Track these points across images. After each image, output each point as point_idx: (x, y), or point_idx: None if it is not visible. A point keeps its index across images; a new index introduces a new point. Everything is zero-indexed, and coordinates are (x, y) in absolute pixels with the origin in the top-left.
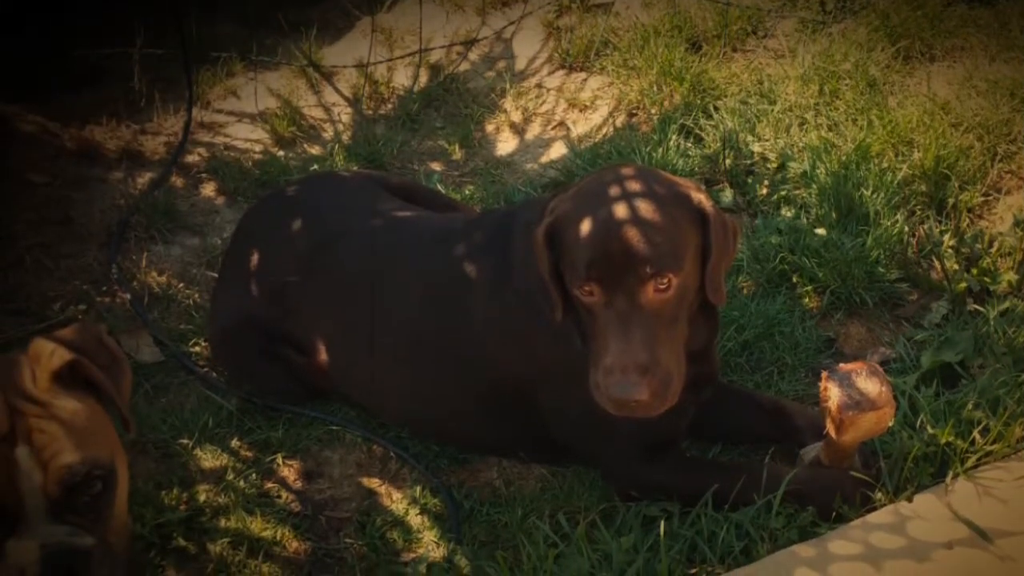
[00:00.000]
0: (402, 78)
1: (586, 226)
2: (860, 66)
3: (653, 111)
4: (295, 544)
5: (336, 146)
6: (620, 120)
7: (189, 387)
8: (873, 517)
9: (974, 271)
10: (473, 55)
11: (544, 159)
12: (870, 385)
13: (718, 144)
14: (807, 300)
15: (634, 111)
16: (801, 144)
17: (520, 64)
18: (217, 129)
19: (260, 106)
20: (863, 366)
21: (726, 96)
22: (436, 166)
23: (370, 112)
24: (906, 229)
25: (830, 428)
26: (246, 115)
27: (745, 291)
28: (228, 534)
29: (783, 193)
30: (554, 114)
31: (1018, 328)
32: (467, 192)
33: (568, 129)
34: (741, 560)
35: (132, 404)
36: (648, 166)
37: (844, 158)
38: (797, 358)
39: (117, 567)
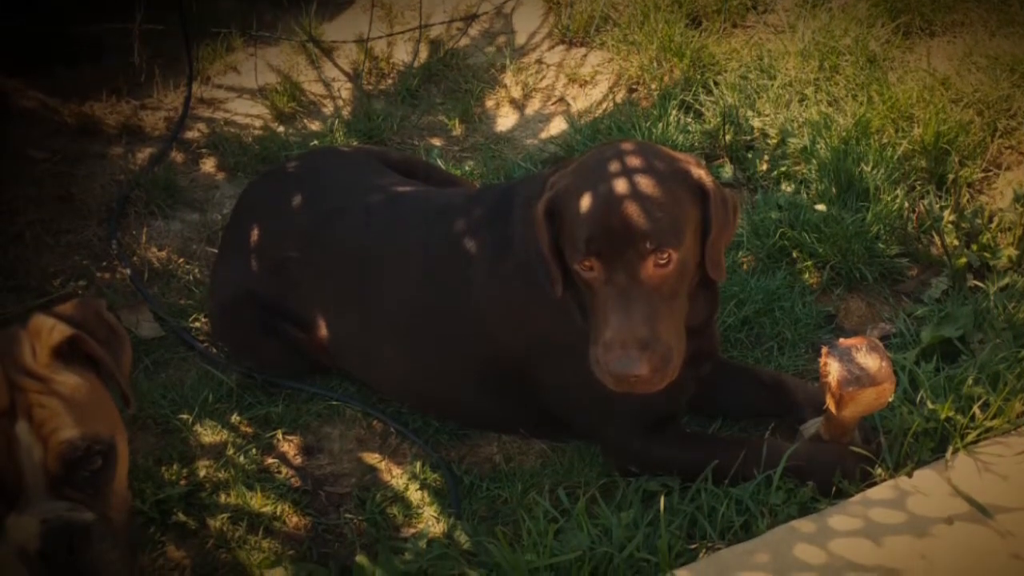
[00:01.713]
0: (402, 54)
1: (586, 201)
2: (860, 41)
3: (653, 86)
4: (295, 519)
5: (336, 121)
6: (620, 95)
7: (189, 362)
8: (873, 492)
9: (974, 246)
10: (473, 30)
11: (544, 134)
12: (870, 360)
13: (718, 119)
14: (807, 275)
15: (634, 86)
16: (801, 119)
17: (520, 39)
18: (217, 105)
19: (260, 81)
20: (863, 341)
21: (726, 71)
22: (436, 141)
23: (370, 87)
24: (906, 204)
25: (830, 403)
26: (246, 91)
27: (745, 266)
28: (228, 509)
29: (783, 168)
30: (554, 89)
31: (1018, 303)
32: (467, 167)
33: (568, 104)
34: (741, 535)
35: (132, 379)
36: (648, 141)
37: (844, 133)
38: (797, 333)
39: (117, 542)
